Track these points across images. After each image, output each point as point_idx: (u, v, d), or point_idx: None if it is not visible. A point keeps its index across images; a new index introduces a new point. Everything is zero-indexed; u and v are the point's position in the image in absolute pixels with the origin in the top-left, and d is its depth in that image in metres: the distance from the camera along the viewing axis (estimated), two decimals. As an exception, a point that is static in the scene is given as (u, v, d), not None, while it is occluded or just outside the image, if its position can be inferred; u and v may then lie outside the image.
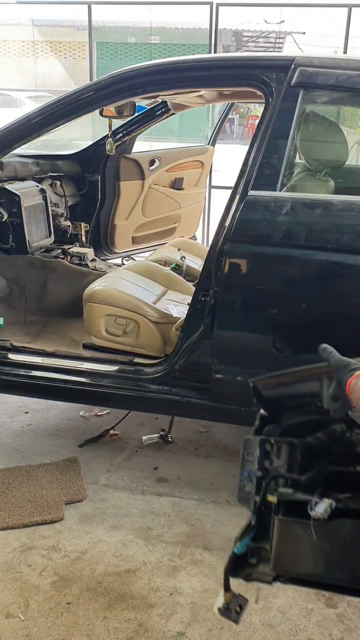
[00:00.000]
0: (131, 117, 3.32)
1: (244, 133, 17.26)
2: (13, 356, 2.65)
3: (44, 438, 2.91)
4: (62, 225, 3.72)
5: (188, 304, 2.46)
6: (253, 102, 6.12)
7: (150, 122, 3.67)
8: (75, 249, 3.61)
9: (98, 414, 3.12)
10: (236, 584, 1.32)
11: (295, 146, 2.29)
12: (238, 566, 1.36)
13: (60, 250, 3.53)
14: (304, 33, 13.82)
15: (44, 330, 3.10)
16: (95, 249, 3.84)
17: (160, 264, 3.32)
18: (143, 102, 3.39)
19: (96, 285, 2.79)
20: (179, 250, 3.64)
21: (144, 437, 2.92)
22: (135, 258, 4.12)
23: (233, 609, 1.37)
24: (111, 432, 2.92)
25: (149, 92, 2.49)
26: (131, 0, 8.86)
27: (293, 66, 2.20)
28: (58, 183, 3.71)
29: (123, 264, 3.83)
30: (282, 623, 1.93)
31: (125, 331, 2.69)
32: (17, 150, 2.77)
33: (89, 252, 3.59)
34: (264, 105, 2.23)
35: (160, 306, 2.78)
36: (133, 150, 3.99)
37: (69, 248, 3.59)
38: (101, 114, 2.96)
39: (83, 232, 3.83)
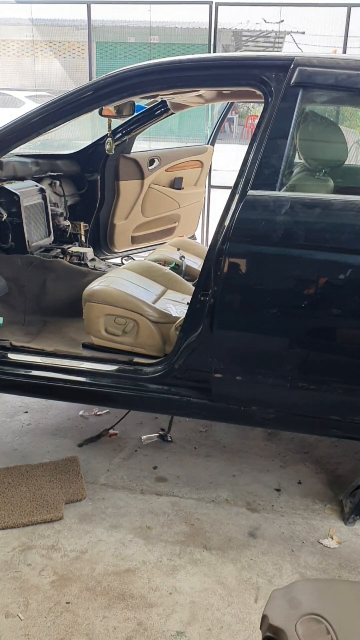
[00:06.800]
0: (130, 117, 3.33)
1: (244, 133, 17.27)
2: (12, 356, 2.65)
3: (44, 438, 2.91)
4: (62, 224, 3.72)
5: (187, 303, 2.46)
6: (252, 102, 6.12)
7: (149, 121, 3.68)
8: (75, 248, 3.61)
9: (97, 413, 3.13)
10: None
11: (294, 146, 2.29)
12: None
13: (59, 250, 3.53)
14: (303, 33, 13.78)
15: (44, 329, 3.10)
16: (95, 249, 3.84)
17: (160, 264, 3.32)
18: (142, 102, 3.39)
19: (95, 285, 2.79)
20: (178, 249, 3.64)
21: (144, 437, 2.92)
22: (134, 258, 4.13)
23: None
24: (110, 431, 2.93)
25: (148, 92, 2.49)
26: (130, -1, 8.86)
27: (292, 66, 2.20)
28: (57, 183, 3.71)
29: (122, 264, 3.83)
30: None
31: (125, 331, 2.69)
32: (17, 150, 2.77)
33: (89, 251, 3.59)
34: (263, 105, 2.23)
35: (159, 306, 2.79)
36: (132, 150, 3.99)
37: (69, 248, 3.59)
38: (100, 113, 2.97)
39: (82, 232, 3.84)
